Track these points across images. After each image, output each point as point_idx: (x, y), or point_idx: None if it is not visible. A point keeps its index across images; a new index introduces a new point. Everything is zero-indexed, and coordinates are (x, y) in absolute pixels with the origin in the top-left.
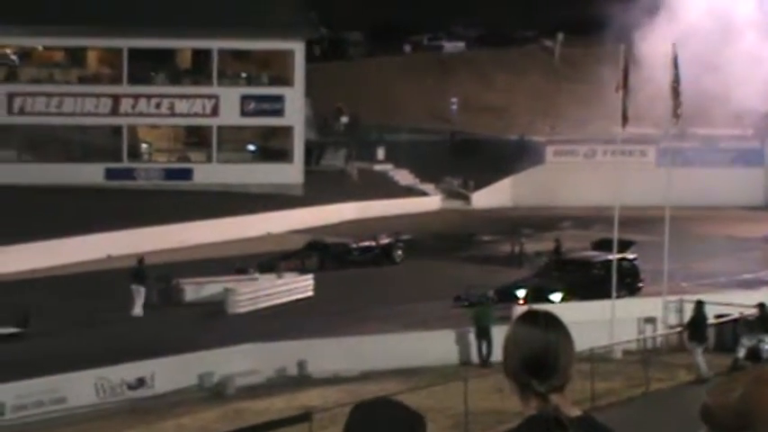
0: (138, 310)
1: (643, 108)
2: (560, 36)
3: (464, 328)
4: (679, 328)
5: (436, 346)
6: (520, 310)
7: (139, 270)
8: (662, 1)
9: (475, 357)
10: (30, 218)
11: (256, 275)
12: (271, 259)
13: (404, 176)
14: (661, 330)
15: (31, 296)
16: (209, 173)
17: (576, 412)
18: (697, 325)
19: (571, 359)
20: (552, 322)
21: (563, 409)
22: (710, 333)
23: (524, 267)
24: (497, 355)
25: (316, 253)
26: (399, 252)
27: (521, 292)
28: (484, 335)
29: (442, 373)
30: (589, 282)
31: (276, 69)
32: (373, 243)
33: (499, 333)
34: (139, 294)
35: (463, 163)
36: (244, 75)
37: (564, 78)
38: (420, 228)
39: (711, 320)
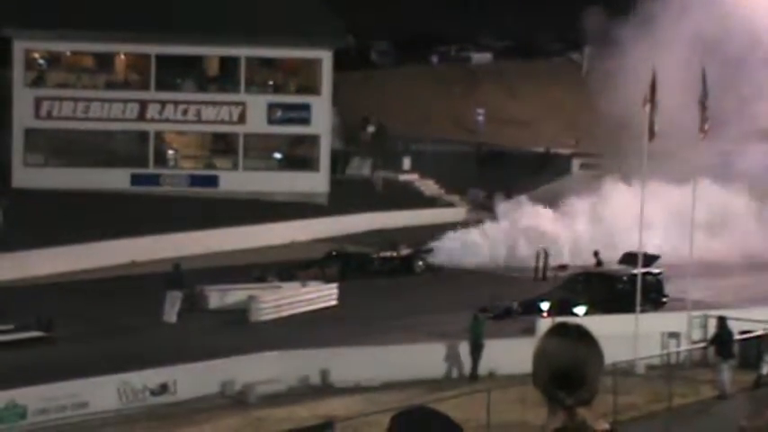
0: (172, 316)
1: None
2: (588, 49)
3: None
4: (703, 344)
5: (459, 356)
6: (544, 323)
7: (176, 275)
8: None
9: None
10: (55, 222)
11: (276, 283)
12: (290, 268)
13: (429, 187)
14: (685, 345)
15: (56, 300)
16: (235, 180)
17: (603, 425)
18: (723, 341)
19: (599, 373)
20: (583, 336)
21: (590, 422)
22: (735, 349)
23: (548, 280)
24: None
25: (336, 262)
26: (420, 263)
27: (545, 305)
28: (476, 349)
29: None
30: (613, 296)
31: (303, 78)
32: (394, 253)
33: (490, 347)
34: (174, 300)
35: (489, 174)
36: (271, 83)
37: (590, 92)
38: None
39: (737, 336)
